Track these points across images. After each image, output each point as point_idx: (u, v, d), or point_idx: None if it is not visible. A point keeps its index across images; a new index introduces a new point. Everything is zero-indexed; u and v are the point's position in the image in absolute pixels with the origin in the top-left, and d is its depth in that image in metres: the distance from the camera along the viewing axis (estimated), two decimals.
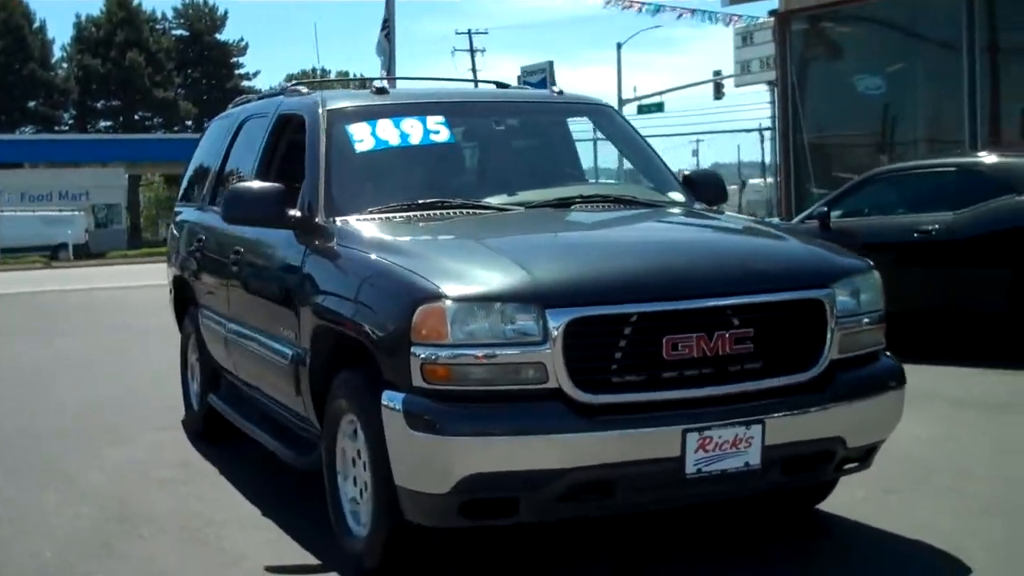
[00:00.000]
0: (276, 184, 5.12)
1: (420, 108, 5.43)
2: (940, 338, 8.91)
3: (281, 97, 6.15)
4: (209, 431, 6.85)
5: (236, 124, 6.71)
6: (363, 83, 6.74)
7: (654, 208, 5.29)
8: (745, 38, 36.95)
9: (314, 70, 53.39)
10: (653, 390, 3.92)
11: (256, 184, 5.21)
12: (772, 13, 30.15)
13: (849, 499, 4.96)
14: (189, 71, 71.40)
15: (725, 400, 3.99)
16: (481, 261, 4.15)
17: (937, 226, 8.97)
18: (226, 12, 72.21)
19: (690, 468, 3.90)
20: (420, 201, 4.95)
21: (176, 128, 65.22)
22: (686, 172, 5.83)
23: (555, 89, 6.16)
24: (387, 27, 22.97)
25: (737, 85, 35.10)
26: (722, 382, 4.00)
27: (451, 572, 4.54)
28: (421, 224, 4.78)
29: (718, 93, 42.39)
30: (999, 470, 5.65)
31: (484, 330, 3.83)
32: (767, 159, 52.09)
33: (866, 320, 4.33)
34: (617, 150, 5.96)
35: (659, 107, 43.50)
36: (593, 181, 6.35)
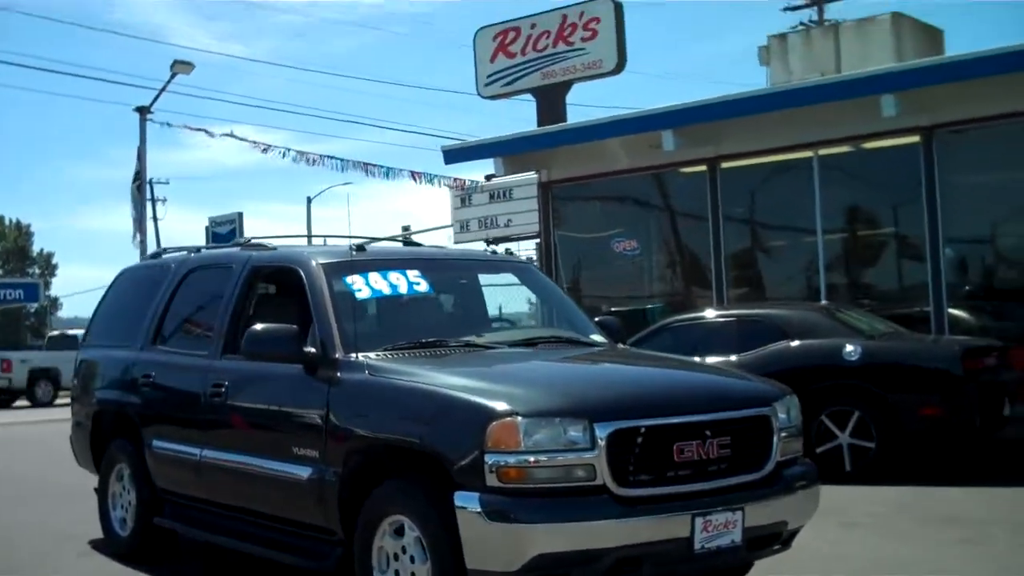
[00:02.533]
0: (292, 326, 5.93)
1: (400, 264, 6.43)
2: None
3: (244, 251, 6.94)
4: (141, 553, 7.27)
5: (176, 275, 7.38)
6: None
7: (594, 346, 6.49)
8: (464, 200, 39.00)
9: None
10: (669, 485, 5.05)
11: (275, 326, 5.99)
12: (488, 178, 32.60)
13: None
14: None
15: (714, 492, 5.17)
16: (524, 386, 5.19)
17: None
18: None
19: (697, 545, 5.04)
20: (423, 340, 5.93)
21: None
22: (596, 319, 7.09)
23: (489, 250, 7.33)
24: (139, 179, 23.33)
25: (456, 242, 37.11)
26: (711, 478, 5.18)
27: None
28: (438, 358, 5.74)
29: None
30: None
31: (547, 440, 4.86)
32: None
33: (793, 431, 5.67)
34: (541, 298, 7.11)
35: None
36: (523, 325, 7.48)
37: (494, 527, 4.78)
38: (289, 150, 23.48)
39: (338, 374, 5.71)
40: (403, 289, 6.26)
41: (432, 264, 6.66)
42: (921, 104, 13.10)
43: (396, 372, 5.54)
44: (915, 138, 13.59)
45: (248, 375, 6.39)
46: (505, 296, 6.92)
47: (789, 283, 15.16)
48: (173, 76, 22.37)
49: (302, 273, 6.28)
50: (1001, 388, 10.56)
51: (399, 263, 6.46)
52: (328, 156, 29.39)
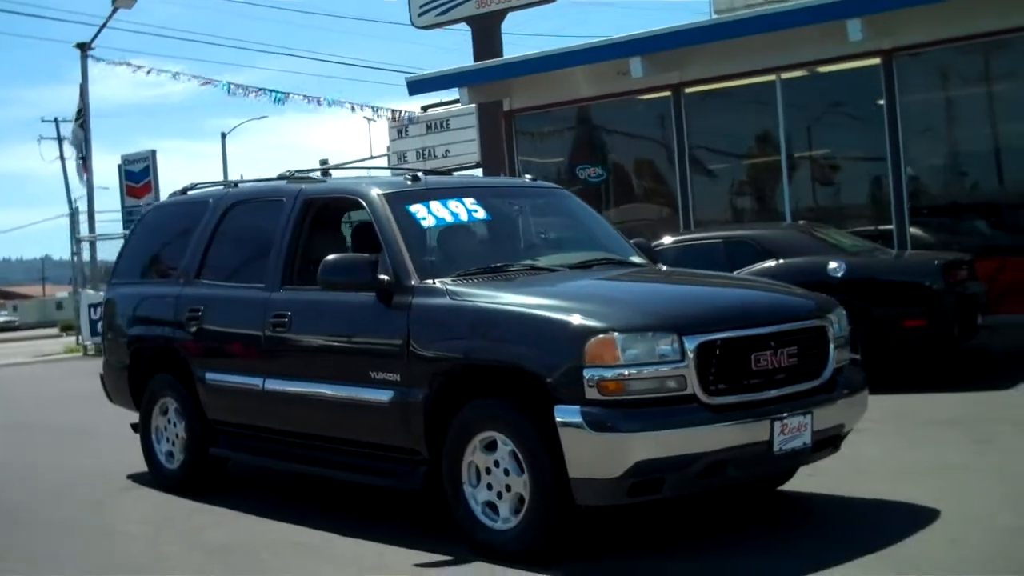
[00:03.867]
0: (366, 255, 6.14)
1: (456, 192, 6.66)
2: None
3: (292, 184, 7.09)
4: (192, 484, 7.48)
5: (217, 209, 7.50)
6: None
7: (640, 266, 6.81)
8: (400, 131, 38.91)
9: None
10: (748, 392, 5.42)
11: (350, 255, 6.19)
12: (425, 108, 32.56)
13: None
14: None
15: (785, 399, 5.55)
16: (611, 304, 5.50)
17: None
18: None
19: (776, 448, 5.43)
20: (491, 265, 6.20)
21: None
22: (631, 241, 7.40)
23: (528, 177, 7.60)
24: (82, 117, 22.94)
25: (394, 175, 37.12)
26: (782, 386, 5.56)
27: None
28: (511, 282, 6.01)
29: None
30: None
31: (641, 353, 5.18)
32: None
33: (843, 340, 6.06)
34: (579, 223, 7.37)
35: None
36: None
37: (596, 437, 5.10)
38: (233, 84, 23.28)
39: (416, 300, 5.94)
40: (464, 217, 6.50)
41: (484, 192, 6.87)
42: (886, 28, 13.52)
43: (478, 296, 5.80)
44: (875, 60, 14.05)
45: (313, 305, 6.59)
46: (545, 221, 7.18)
47: (754, 205, 15.64)
48: (115, 11, 21.94)
49: (365, 203, 6.47)
50: (973, 299, 11.14)
51: (455, 192, 6.68)
52: (266, 89, 29.13)
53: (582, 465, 5.18)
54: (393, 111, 35.37)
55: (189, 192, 8.18)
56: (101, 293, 22.08)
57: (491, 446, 5.57)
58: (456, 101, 21.71)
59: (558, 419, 5.19)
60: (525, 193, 7.35)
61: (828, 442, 5.88)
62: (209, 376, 7.24)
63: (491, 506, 5.60)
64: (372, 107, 32.43)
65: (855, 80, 14.43)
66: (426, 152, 32.72)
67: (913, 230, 14.13)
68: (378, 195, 6.47)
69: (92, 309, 22.04)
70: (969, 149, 14.26)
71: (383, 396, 6.01)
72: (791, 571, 5.08)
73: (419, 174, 6.79)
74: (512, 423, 5.45)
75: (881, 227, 14.18)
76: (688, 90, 15.55)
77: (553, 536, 5.40)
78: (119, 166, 24.79)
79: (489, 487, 5.59)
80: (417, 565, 5.56)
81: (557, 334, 5.32)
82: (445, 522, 5.95)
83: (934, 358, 11.34)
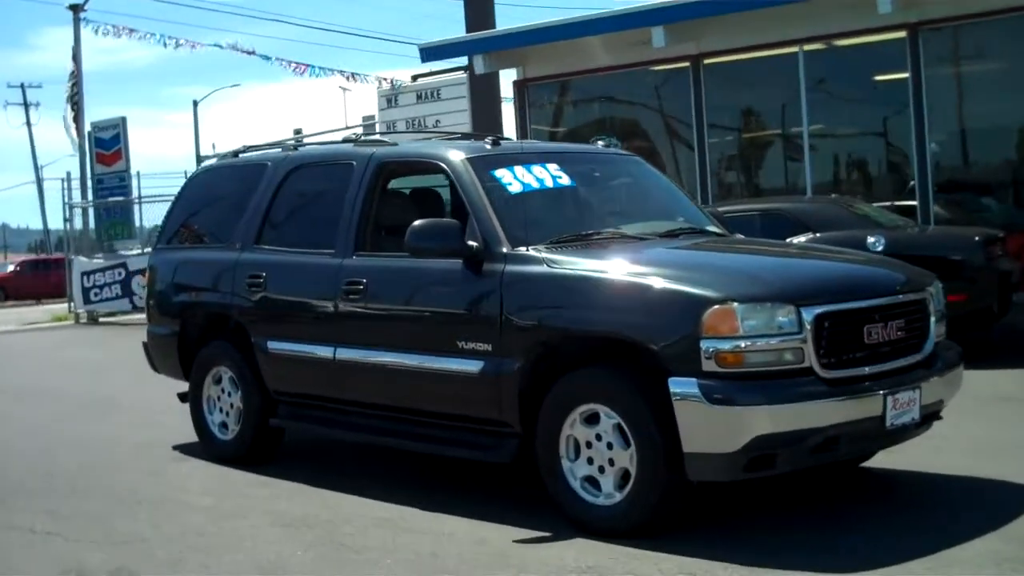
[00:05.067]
0: (455, 220, 5.93)
1: (539, 157, 6.46)
2: None
3: (362, 148, 6.86)
4: (250, 455, 7.26)
5: (277, 173, 7.25)
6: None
7: (723, 236, 6.64)
8: (390, 100, 38.58)
9: None
10: (862, 365, 5.27)
11: (439, 220, 5.97)
12: (415, 77, 32.23)
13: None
14: None
15: (894, 373, 5.41)
16: (724, 274, 5.34)
17: None
18: None
19: (888, 422, 5.28)
20: (581, 232, 6.01)
21: None
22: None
23: (600, 143, 7.40)
24: (74, 79, 22.48)
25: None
26: (890, 359, 5.42)
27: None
28: (606, 250, 5.82)
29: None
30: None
31: (760, 325, 5.02)
32: None
33: (942, 314, 5.93)
34: (655, 191, 7.18)
35: None
36: None
37: (715, 410, 4.94)
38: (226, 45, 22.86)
39: (509, 268, 5.74)
40: (549, 183, 6.29)
41: (565, 158, 6.67)
42: (914, 1, 13.39)
43: (576, 263, 5.61)
44: (901, 34, 13.93)
45: (391, 272, 6.37)
46: (622, 188, 7.00)
47: (774, 179, 15.51)
48: None
49: (448, 168, 6.25)
50: (1007, 276, 11.08)
51: (537, 157, 6.48)
52: (258, 53, 28.73)
53: (697, 439, 5.02)
54: (380, 79, 34.90)
55: (241, 155, 7.93)
56: (96, 260, 21.78)
57: (592, 419, 5.40)
58: (451, 70, 21.42)
59: (673, 391, 5.02)
60: (600, 159, 7.16)
61: (930, 417, 5.76)
62: (271, 345, 7.00)
63: (591, 481, 5.42)
64: (360, 75, 32.09)
65: (880, 53, 14.30)
66: (416, 122, 32.33)
67: (935, 207, 14.07)
68: (462, 160, 6.25)
69: (85, 277, 21.68)
70: (994, 125, 14.18)
71: (472, 366, 5.81)
72: (928, 547, 4.93)
73: (497, 138, 6.58)
74: (617, 395, 5.27)
75: (898, 203, 14.10)
76: (707, 61, 15.37)
77: (661, 512, 5.24)
78: (89, 133, 24.18)
79: (590, 461, 5.42)
80: (517, 541, 5.39)
81: (671, 304, 5.15)
82: (526, 496, 5.78)
83: (971, 333, 11.25)
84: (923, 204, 13.89)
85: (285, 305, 7.01)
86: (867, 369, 5.28)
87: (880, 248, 10.63)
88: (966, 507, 5.65)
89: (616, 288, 5.37)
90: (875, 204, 13.60)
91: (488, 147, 6.48)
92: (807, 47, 14.65)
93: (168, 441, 8.19)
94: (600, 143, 7.54)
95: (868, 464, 6.42)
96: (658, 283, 5.25)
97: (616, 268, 5.49)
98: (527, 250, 5.77)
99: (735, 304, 5.00)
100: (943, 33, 13.88)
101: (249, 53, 30.40)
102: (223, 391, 7.47)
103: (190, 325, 7.75)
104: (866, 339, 5.28)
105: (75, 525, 6.07)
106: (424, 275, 6.16)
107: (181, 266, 7.87)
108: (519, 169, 6.25)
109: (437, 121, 32.47)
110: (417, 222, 5.94)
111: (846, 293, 5.33)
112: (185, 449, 7.92)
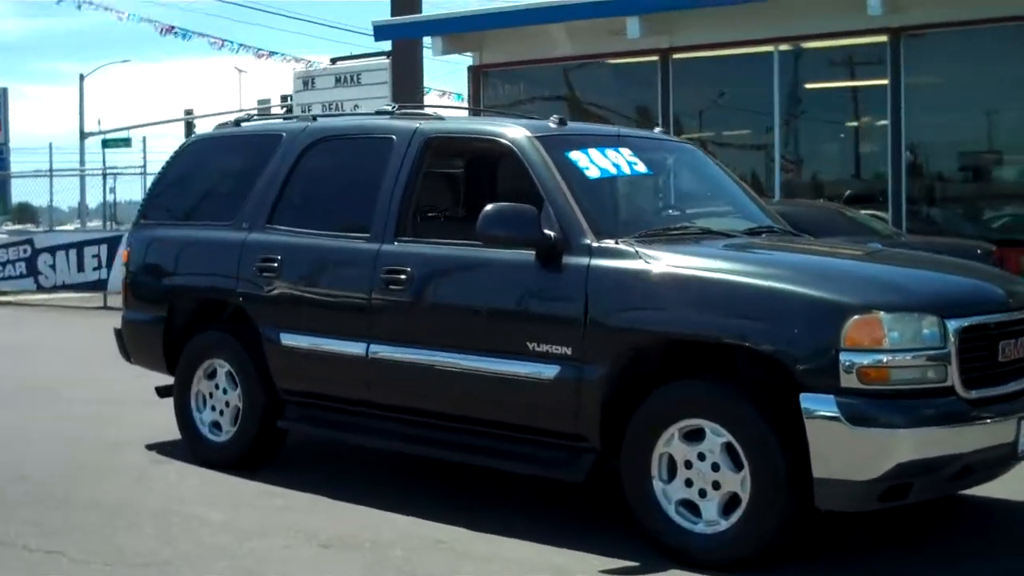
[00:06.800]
0: (530, 206, 5.23)
1: (611, 141, 5.79)
2: None
3: (404, 122, 6.11)
4: (246, 460, 6.45)
5: (295, 146, 6.44)
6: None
7: (796, 235, 6.08)
8: (307, 82, 37.56)
9: None
10: (999, 385, 4.74)
11: (514, 205, 5.23)
12: (334, 60, 31.25)
13: None
14: None
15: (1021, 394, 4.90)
16: (859, 279, 4.80)
17: None
18: None
19: (1020, 448, 4.77)
20: (671, 226, 5.38)
21: None
22: None
23: (658, 130, 6.76)
24: None
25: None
26: (1019, 377, 4.90)
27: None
28: (702, 246, 5.20)
29: (188, 132, 42.70)
30: None
31: (905, 337, 4.45)
32: None
33: None
34: (713, 184, 6.56)
35: (126, 142, 42.56)
36: None
37: (856, 432, 4.35)
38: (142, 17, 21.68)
39: (596, 262, 5.07)
40: (626, 170, 5.63)
41: (635, 143, 6.00)
42: (897, 5, 13.08)
43: (681, 261, 4.96)
44: (883, 38, 13.61)
45: (443, 262, 5.64)
46: (687, 179, 6.39)
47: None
48: None
49: (515, 148, 5.53)
50: None
51: (610, 140, 5.82)
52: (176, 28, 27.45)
53: (832, 464, 4.42)
54: (295, 59, 33.84)
55: (243, 124, 7.08)
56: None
57: (693, 435, 4.76)
58: (372, 55, 20.81)
59: (805, 408, 4.42)
60: (663, 147, 6.52)
61: None
62: (285, 337, 6.18)
63: (688, 505, 4.80)
64: (278, 54, 31.04)
65: (859, 57, 13.99)
66: (333, 106, 31.36)
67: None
68: (530, 138, 5.54)
69: None
70: (967, 135, 13.97)
71: (546, 371, 5.12)
72: None
73: (562, 118, 5.88)
74: (730, 410, 4.65)
75: (869, 209, 13.78)
76: (676, 56, 14.88)
77: (773, 543, 4.64)
78: None
79: (688, 483, 4.78)
80: (604, 572, 4.73)
81: (805, 310, 4.54)
82: (584, 516, 5.13)
83: None
84: (895, 211, 13.60)
85: (305, 294, 6.19)
86: (1001, 389, 4.76)
87: None
88: None
89: (738, 290, 4.73)
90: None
91: (553, 126, 5.79)
92: (782, 47, 14.25)
93: (138, 439, 7.31)
94: (658, 130, 6.89)
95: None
96: (790, 287, 4.64)
97: (731, 268, 4.87)
98: (616, 243, 5.10)
99: (881, 313, 4.42)
100: (924, 40, 13.60)
101: (169, 28, 29.16)
102: (217, 387, 6.61)
103: (179, 312, 6.88)
104: (1000, 356, 4.76)
105: (74, 542, 5.19)
106: (486, 266, 5.45)
107: (171, 245, 6.96)
108: (594, 152, 5.58)
109: (356, 106, 31.52)
110: (490, 206, 5.22)
111: (981, 305, 4.80)
112: (161, 449, 7.06)
